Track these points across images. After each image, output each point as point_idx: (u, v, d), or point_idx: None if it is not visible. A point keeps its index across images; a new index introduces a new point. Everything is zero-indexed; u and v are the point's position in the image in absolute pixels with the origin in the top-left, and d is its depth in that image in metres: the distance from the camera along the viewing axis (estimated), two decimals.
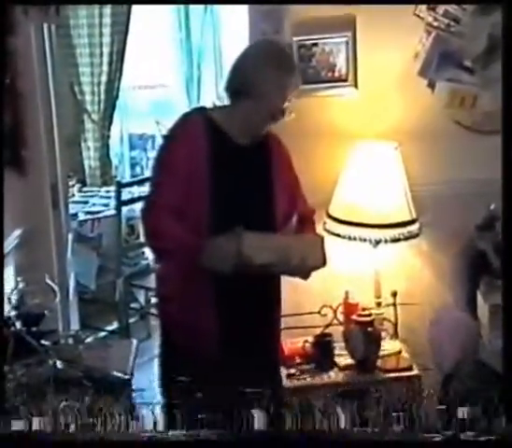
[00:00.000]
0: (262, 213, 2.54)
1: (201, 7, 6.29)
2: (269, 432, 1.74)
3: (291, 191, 2.63)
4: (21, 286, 2.69)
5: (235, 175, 2.50)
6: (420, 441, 1.73)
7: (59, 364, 2.36)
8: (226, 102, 2.57)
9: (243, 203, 2.49)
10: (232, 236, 2.30)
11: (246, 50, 2.54)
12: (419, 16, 3.22)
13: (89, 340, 2.91)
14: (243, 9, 3.39)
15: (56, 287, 2.83)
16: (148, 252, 4.64)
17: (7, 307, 2.60)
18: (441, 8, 3.21)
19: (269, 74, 2.42)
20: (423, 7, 3.22)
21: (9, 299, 2.63)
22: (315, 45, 3.29)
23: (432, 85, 3.29)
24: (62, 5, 3.38)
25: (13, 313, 2.60)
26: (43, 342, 2.50)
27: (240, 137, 2.51)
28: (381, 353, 3.08)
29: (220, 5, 5.85)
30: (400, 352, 3.14)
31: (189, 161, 2.45)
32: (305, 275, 2.51)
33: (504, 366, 2.12)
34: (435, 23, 3.22)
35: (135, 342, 2.78)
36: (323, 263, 2.48)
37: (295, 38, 3.27)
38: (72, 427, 1.77)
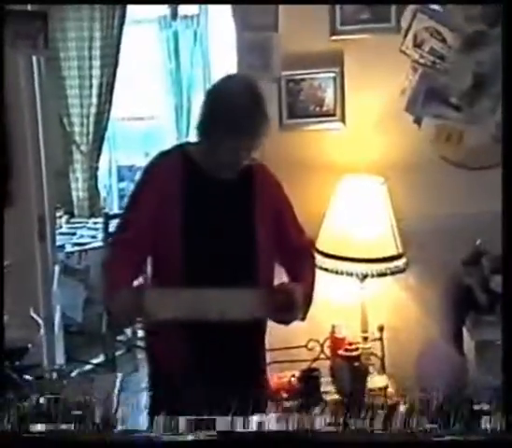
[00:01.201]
0: (240, 249, 2.45)
1: (191, 36, 6.35)
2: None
3: (279, 223, 2.54)
4: (5, 318, 2.68)
5: (213, 211, 2.45)
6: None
7: (41, 400, 2.33)
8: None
9: (220, 240, 2.43)
10: (135, 291, 2.27)
11: (210, 89, 2.44)
12: (405, 53, 3.25)
13: (74, 373, 2.88)
14: (232, 42, 3.41)
15: (40, 321, 2.81)
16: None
17: None
18: (427, 46, 3.24)
19: (223, 122, 2.32)
20: (410, 43, 3.26)
21: None
22: (303, 80, 3.33)
23: (418, 121, 3.32)
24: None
25: None
26: (26, 376, 2.46)
27: (219, 172, 2.44)
28: (368, 387, 3.07)
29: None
30: (387, 387, 3.13)
31: (160, 199, 2.42)
32: (282, 322, 2.41)
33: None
34: (422, 60, 3.25)
35: (119, 375, 2.76)
36: (272, 316, 2.38)
37: (284, 73, 3.29)
38: None
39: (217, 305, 2.30)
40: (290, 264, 2.58)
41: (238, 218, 2.48)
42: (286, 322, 2.40)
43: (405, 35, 3.24)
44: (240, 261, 2.45)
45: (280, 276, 2.58)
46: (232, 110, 2.33)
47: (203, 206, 2.45)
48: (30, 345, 2.62)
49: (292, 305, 2.34)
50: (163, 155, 2.54)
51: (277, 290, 2.38)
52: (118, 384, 2.64)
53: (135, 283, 2.43)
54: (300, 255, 2.59)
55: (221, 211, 2.46)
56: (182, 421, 1.84)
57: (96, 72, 5.47)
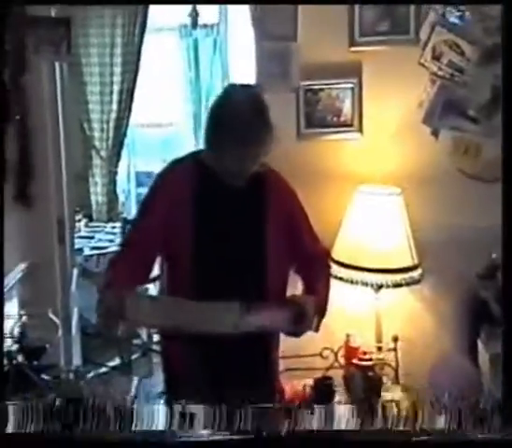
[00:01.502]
0: (250, 255, 2.47)
1: (210, 45, 6.40)
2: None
3: (292, 230, 2.54)
4: (23, 319, 2.72)
5: (223, 217, 2.46)
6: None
7: (58, 401, 2.36)
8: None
9: (230, 246, 2.45)
10: (119, 295, 2.27)
11: (215, 99, 2.45)
12: (423, 65, 3.28)
13: (90, 375, 2.92)
14: (251, 51, 3.45)
15: (58, 322, 2.86)
16: (151, 288, 4.66)
17: (9, 340, 2.62)
18: (445, 58, 3.27)
19: (226, 132, 2.33)
20: (428, 56, 3.29)
21: (12, 332, 2.66)
22: (321, 90, 3.36)
23: (435, 133, 3.34)
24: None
25: (15, 346, 2.62)
26: (43, 376, 2.50)
27: (229, 179, 2.43)
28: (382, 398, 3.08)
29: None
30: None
31: (172, 204, 2.45)
32: (292, 335, 2.44)
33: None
34: (440, 73, 3.28)
35: (135, 379, 2.79)
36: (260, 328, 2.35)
37: (302, 83, 3.33)
38: None
39: (199, 317, 2.30)
40: (304, 272, 2.59)
41: (249, 225, 2.49)
42: (296, 335, 2.42)
43: (424, 48, 3.28)
44: (249, 267, 2.47)
45: (295, 285, 2.61)
46: (233, 120, 2.34)
47: (213, 212, 2.47)
48: (48, 346, 2.67)
49: (303, 318, 2.35)
50: (177, 162, 2.57)
51: (288, 302, 2.39)
52: (134, 386, 2.68)
53: (138, 285, 2.50)
54: (314, 263, 2.59)
55: (232, 217, 2.47)
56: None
57: (117, 78, 5.52)
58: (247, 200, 2.49)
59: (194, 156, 2.53)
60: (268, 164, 2.55)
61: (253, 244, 2.47)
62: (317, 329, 2.47)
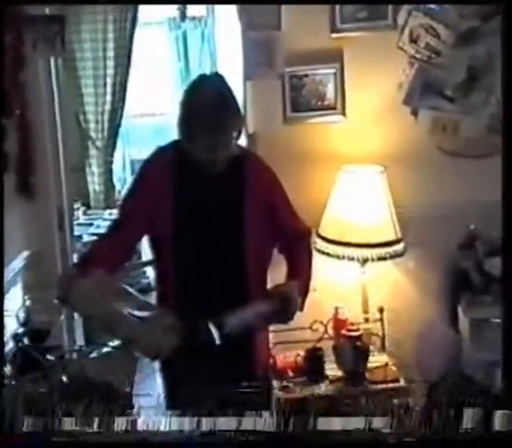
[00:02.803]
0: (231, 239, 2.50)
1: (198, 36, 6.51)
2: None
3: (272, 211, 2.55)
4: (28, 303, 2.82)
5: (203, 204, 2.50)
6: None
7: (64, 378, 2.42)
8: None
9: (210, 232, 2.49)
10: (71, 279, 2.34)
11: (185, 89, 2.47)
12: (402, 49, 3.36)
13: (93, 355, 3.02)
14: (238, 40, 3.54)
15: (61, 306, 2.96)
16: (149, 271, 4.78)
17: (14, 324, 2.71)
18: (422, 41, 3.34)
19: (194, 120, 2.38)
20: (406, 39, 3.36)
21: (17, 316, 2.74)
22: (305, 75, 3.46)
23: (415, 113, 3.44)
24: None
25: (20, 329, 2.71)
26: (49, 357, 2.57)
27: (207, 166, 2.46)
28: (369, 365, 3.22)
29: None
30: (387, 365, 3.27)
31: (153, 192, 2.51)
32: (282, 322, 2.50)
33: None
34: (418, 55, 3.36)
35: (137, 357, 2.86)
36: None
37: (287, 69, 3.43)
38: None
39: (131, 334, 2.32)
40: (287, 252, 2.63)
41: (227, 210, 2.51)
42: (284, 322, 2.49)
43: (402, 32, 3.35)
44: (230, 250, 2.51)
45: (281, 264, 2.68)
46: (199, 110, 2.38)
47: (192, 199, 2.51)
48: (52, 328, 2.78)
49: (288, 308, 2.40)
50: (159, 150, 2.61)
51: (272, 294, 2.43)
52: (135, 364, 2.75)
53: (116, 263, 2.52)
54: (296, 242, 2.63)
55: (210, 203, 2.51)
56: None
57: (110, 71, 5.61)
58: (224, 185, 2.51)
59: (176, 144, 2.55)
60: (247, 147, 2.62)
61: (233, 227, 2.51)
62: (301, 309, 2.52)
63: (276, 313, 2.41)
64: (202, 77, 2.51)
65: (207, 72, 2.71)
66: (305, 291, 2.53)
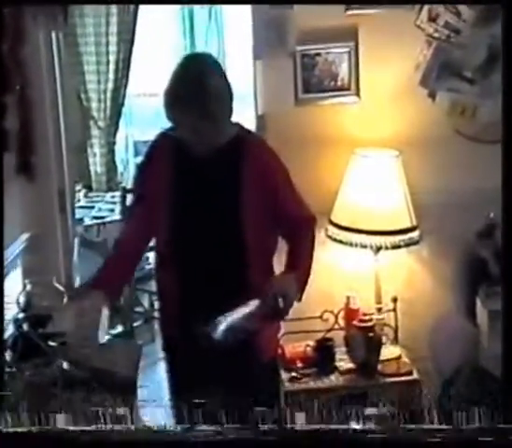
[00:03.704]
0: (229, 224, 2.46)
1: (206, 13, 6.38)
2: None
3: (272, 195, 2.48)
4: (28, 288, 2.74)
5: (198, 189, 2.46)
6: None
7: (65, 365, 2.39)
8: None
9: (207, 218, 2.46)
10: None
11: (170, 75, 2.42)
12: (420, 27, 3.27)
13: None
14: (247, 17, 3.44)
15: (63, 289, 2.89)
16: (151, 257, 4.69)
17: (15, 309, 2.64)
18: (442, 20, 3.26)
19: (172, 101, 2.34)
20: (424, 17, 3.28)
21: (18, 301, 2.66)
22: (318, 55, 3.35)
23: (432, 95, 3.35)
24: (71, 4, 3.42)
25: (21, 314, 2.62)
26: (50, 343, 2.51)
27: (198, 150, 2.43)
28: (382, 358, 3.14)
29: (224, 4, 5.86)
30: (400, 357, 3.20)
31: (154, 183, 2.50)
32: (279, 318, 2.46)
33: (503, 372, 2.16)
34: (436, 34, 3.27)
35: (140, 344, 2.82)
36: None
37: (299, 48, 3.32)
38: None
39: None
40: (288, 237, 2.57)
41: (224, 194, 2.46)
42: (281, 317, 2.43)
43: (420, 10, 3.27)
44: (228, 236, 2.46)
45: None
46: (178, 89, 2.34)
47: (187, 184, 2.47)
48: (53, 313, 2.69)
49: (286, 302, 2.34)
50: (161, 135, 2.58)
51: (268, 289, 2.35)
52: (139, 352, 2.71)
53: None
54: (298, 228, 2.56)
55: (208, 189, 2.46)
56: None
57: (113, 48, 5.50)
58: (221, 169, 2.46)
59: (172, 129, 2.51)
60: (246, 128, 2.53)
61: (232, 213, 2.45)
62: (300, 299, 2.46)
63: (270, 310, 2.33)
64: (186, 57, 2.46)
65: (215, 50, 2.67)
66: (303, 282, 2.46)
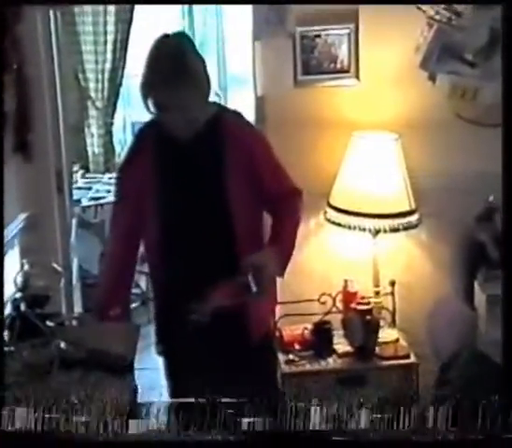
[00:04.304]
0: (215, 204, 2.47)
1: None
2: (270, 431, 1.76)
3: (255, 172, 2.48)
4: (26, 268, 2.74)
5: (185, 175, 2.47)
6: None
7: (63, 345, 2.41)
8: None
9: (193, 203, 2.47)
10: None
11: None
12: (420, 9, 3.23)
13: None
14: None
15: (61, 270, 2.89)
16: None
17: (13, 289, 2.65)
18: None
19: (147, 80, 2.39)
20: None
21: (15, 281, 2.67)
22: (318, 36, 3.32)
23: (433, 77, 3.31)
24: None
25: (18, 294, 2.64)
26: (48, 323, 2.54)
27: (184, 134, 2.45)
28: (379, 340, 3.15)
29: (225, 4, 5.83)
30: (397, 340, 3.21)
31: (138, 175, 2.52)
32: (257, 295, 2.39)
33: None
34: (437, 17, 3.23)
35: (138, 325, 2.83)
36: None
37: (299, 29, 3.29)
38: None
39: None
40: (272, 211, 2.57)
41: (207, 175, 2.47)
42: (261, 296, 2.39)
43: None
44: (215, 216, 2.47)
45: None
46: (151, 66, 2.37)
47: (170, 168, 2.49)
48: (51, 294, 2.71)
49: (263, 279, 2.33)
50: (140, 129, 2.65)
51: (244, 267, 2.35)
52: (136, 333, 2.70)
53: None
54: (282, 203, 2.55)
55: (192, 172, 2.47)
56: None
57: (111, 28, 5.45)
58: (201, 151, 2.47)
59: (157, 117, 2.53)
60: (223, 106, 2.57)
61: (216, 194, 2.46)
62: (282, 275, 2.47)
63: (244, 287, 2.32)
64: (162, 36, 2.43)
65: (213, 31, 2.68)
66: (285, 257, 2.46)
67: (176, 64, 2.33)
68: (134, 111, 6.36)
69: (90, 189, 5.23)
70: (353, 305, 3.14)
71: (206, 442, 1.73)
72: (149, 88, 2.38)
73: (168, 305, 2.61)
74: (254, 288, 2.32)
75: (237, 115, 2.56)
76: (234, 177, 2.45)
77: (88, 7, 5.40)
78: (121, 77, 5.67)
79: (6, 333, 2.50)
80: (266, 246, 2.48)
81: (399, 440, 1.73)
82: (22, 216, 3.16)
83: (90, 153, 5.75)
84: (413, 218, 3.20)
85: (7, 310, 2.63)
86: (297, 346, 3.18)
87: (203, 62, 2.42)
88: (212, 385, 1.90)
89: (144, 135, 2.61)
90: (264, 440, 1.73)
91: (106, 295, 2.64)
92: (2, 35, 2.85)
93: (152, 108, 2.41)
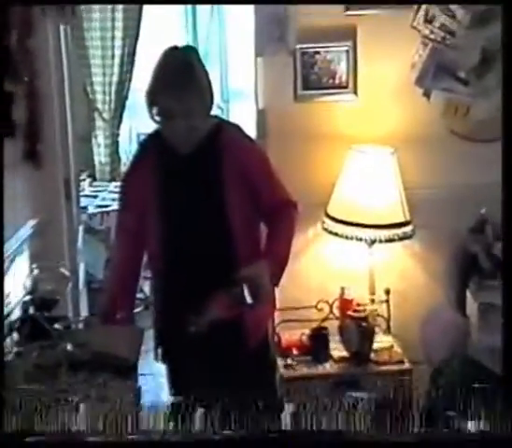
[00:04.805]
0: (213, 217, 2.52)
1: (208, 9, 6.43)
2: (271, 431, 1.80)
3: (252, 185, 2.52)
4: (35, 272, 2.82)
5: (180, 185, 2.53)
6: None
7: (69, 347, 2.46)
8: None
9: (193, 216, 2.51)
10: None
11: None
12: (416, 28, 3.29)
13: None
14: (249, 13, 3.49)
15: (68, 274, 2.96)
16: None
17: (22, 292, 2.73)
18: (437, 22, 3.27)
19: (153, 93, 2.45)
20: (421, 19, 3.29)
21: (24, 284, 2.76)
22: (317, 53, 3.41)
23: (427, 94, 3.38)
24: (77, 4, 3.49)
25: (28, 298, 2.72)
26: (56, 326, 2.60)
27: (184, 148, 2.51)
28: (374, 346, 3.22)
29: (227, 4, 5.93)
30: (392, 346, 3.27)
31: (141, 184, 2.58)
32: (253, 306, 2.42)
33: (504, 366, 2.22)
34: (432, 36, 3.28)
35: (142, 329, 2.88)
36: None
37: (299, 46, 3.37)
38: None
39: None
40: (268, 222, 2.61)
41: (205, 189, 2.52)
42: (257, 307, 2.41)
43: (417, 11, 3.28)
44: (213, 229, 2.52)
45: None
46: (157, 75, 2.43)
47: (170, 181, 2.54)
48: (59, 297, 2.78)
49: (260, 291, 2.36)
50: (143, 140, 2.75)
51: (241, 279, 2.36)
52: (141, 336, 2.71)
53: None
54: (277, 214, 2.57)
55: (192, 184, 2.53)
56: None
57: (118, 43, 5.58)
58: (201, 163, 2.51)
59: (157, 131, 2.61)
60: (222, 118, 2.60)
61: (213, 204, 2.51)
62: (277, 285, 2.49)
63: (239, 299, 2.36)
64: (171, 48, 2.51)
65: (216, 46, 2.73)
66: (280, 269, 2.48)
67: (183, 74, 2.40)
68: (139, 123, 6.46)
69: (96, 196, 5.32)
70: (349, 312, 3.21)
71: (207, 443, 1.77)
72: (155, 95, 2.44)
73: (168, 312, 2.65)
74: (249, 300, 2.35)
75: (237, 128, 2.61)
76: (232, 189, 2.50)
77: (96, 23, 5.50)
78: (128, 89, 5.76)
79: (15, 335, 2.56)
80: (261, 258, 2.49)
81: (393, 442, 1.76)
82: (32, 222, 3.21)
83: (97, 162, 5.84)
84: (408, 229, 3.27)
85: (17, 313, 2.68)
86: (295, 351, 3.25)
87: (207, 75, 2.49)
88: (211, 388, 1.99)
89: (147, 146, 2.67)
90: (263, 441, 1.77)
91: (111, 300, 2.69)
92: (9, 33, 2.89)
93: (156, 117, 2.48)
